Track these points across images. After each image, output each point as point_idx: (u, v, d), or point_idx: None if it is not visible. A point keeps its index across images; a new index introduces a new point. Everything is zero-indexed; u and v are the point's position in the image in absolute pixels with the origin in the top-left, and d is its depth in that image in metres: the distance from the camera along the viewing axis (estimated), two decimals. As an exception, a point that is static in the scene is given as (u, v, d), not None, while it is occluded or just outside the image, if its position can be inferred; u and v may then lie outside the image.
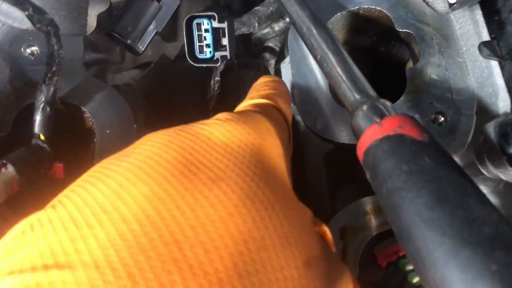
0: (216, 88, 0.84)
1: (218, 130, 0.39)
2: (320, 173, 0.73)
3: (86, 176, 0.35)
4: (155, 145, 0.36)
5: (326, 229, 0.42)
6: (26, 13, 0.45)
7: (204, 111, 0.83)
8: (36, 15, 0.45)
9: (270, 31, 0.86)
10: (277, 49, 0.87)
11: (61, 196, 0.33)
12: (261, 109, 0.48)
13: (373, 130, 0.39)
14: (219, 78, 0.82)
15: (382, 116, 0.40)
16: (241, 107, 0.51)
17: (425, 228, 0.32)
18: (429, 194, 0.33)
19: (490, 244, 0.29)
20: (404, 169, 0.35)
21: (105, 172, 0.34)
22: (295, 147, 0.80)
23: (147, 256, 0.28)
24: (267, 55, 0.86)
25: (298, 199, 0.41)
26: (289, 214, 0.36)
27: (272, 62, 0.86)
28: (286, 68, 0.80)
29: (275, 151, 0.42)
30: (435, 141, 0.37)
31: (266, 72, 0.81)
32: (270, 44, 0.87)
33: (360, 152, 0.41)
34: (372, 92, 0.44)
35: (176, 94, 0.85)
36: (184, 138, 0.37)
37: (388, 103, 0.42)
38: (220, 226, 0.31)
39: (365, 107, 0.42)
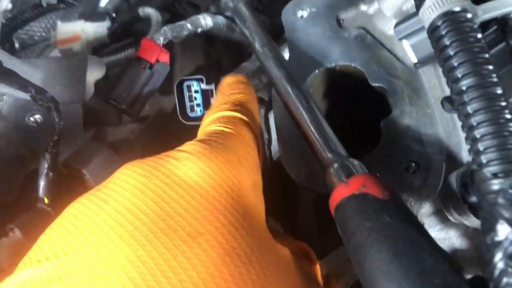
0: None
1: (192, 169, 0.39)
2: (310, 217, 0.77)
3: (69, 224, 0.37)
4: (132, 190, 0.37)
5: (314, 266, 0.45)
6: (29, 94, 0.51)
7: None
8: (38, 95, 0.51)
9: (258, 82, 0.91)
10: (266, 98, 0.92)
11: (50, 252, 0.36)
12: (230, 126, 0.49)
13: (341, 189, 0.44)
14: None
15: (349, 175, 0.45)
16: (209, 120, 0.52)
17: (384, 280, 0.36)
18: (388, 249, 0.37)
19: (440, 294, 0.33)
20: (367, 226, 0.39)
21: (88, 224, 0.35)
22: (286, 193, 0.84)
23: None
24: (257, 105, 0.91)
25: (272, 236, 0.43)
26: (266, 262, 0.38)
27: (262, 111, 0.90)
28: (273, 118, 0.85)
29: (247, 183, 0.43)
30: (396, 198, 0.41)
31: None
32: (259, 94, 0.92)
33: (331, 208, 0.45)
34: (342, 151, 0.49)
35: (173, 145, 0.90)
36: (160, 182, 0.38)
37: (356, 162, 0.47)
38: None
39: (335, 165, 0.47)
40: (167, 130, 0.93)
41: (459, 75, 0.38)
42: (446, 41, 0.39)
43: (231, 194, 0.40)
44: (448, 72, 0.39)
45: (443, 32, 0.40)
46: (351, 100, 0.76)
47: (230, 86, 0.57)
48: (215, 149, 0.43)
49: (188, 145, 0.43)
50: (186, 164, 0.40)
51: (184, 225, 0.35)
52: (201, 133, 0.51)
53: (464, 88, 0.38)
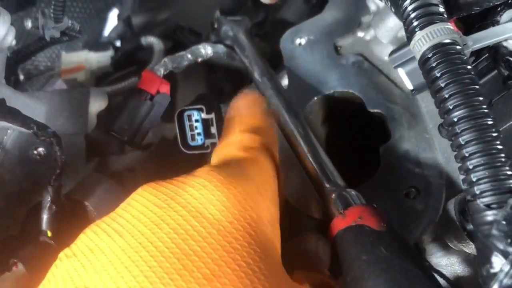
0: (212, 166, 0.89)
1: (209, 200, 0.38)
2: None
3: (82, 255, 0.37)
4: (147, 223, 0.36)
5: None
6: (31, 131, 0.52)
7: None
8: (40, 131, 0.52)
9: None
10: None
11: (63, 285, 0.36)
12: (248, 151, 0.47)
13: (338, 221, 0.44)
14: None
15: (347, 206, 0.45)
16: (226, 142, 0.51)
17: (381, 314, 0.36)
18: (384, 283, 0.37)
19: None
20: (363, 259, 0.39)
21: (101, 258, 0.35)
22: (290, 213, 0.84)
23: None
24: (259, 131, 0.92)
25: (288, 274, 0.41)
26: None
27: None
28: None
29: (265, 217, 0.41)
30: (392, 230, 0.41)
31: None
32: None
33: (330, 238, 0.45)
34: (340, 181, 0.50)
35: (177, 173, 0.90)
36: (176, 214, 0.37)
37: (353, 192, 0.47)
38: None
39: (333, 196, 0.47)
40: (171, 157, 0.94)
41: (451, 107, 0.38)
42: (437, 73, 0.40)
43: (249, 230, 0.38)
44: (440, 103, 0.40)
45: (434, 64, 0.40)
46: (350, 125, 0.76)
47: (248, 106, 0.55)
48: (233, 178, 0.41)
49: (205, 172, 0.42)
50: (203, 193, 0.39)
51: (200, 265, 0.34)
52: (216, 156, 0.50)
53: (455, 119, 0.38)
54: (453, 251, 0.55)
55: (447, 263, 0.55)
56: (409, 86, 0.57)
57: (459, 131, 0.38)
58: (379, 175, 0.61)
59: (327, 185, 0.49)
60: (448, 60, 0.40)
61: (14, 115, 0.49)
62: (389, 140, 0.63)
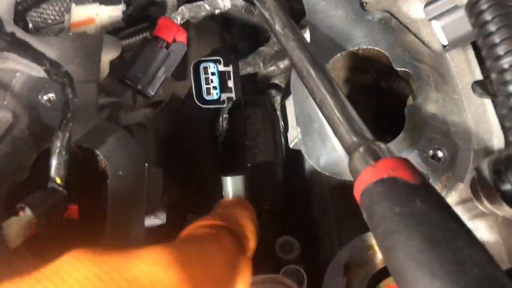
0: (224, 125, 0.87)
1: (161, 281, 0.35)
2: (326, 206, 0.75)
3: None
4: None
5: None
6: (44, 67, 0.49)
7: (213, 147, 0.85)
8: (53, 69, 0.49)
9: (275, 69, 0.89)
10: (283, 85, 0.90)
11: None
12: (211, 232, 0.47)
13: (368, 173, 0.41)
14: (227, 115, 0.86)
15: (377, 158, 0.42)
16: (197, 224, 0.50)
17: (417, 269, 0.33)
18: (420, 237, 0.34)
19: (479, 285, 0.31)
20: (397, 212, 0.37)
21: None
22: (302, 181, 0.82)
23: None
24: (273, 92, 0.89)
25: None
26: None
27: (278, 98, 0.88)
28: (290, 105, 0.82)
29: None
30: (428, 183, 0.39)
31: (272, 109, 0.84)
32: (276, 81, 0.90)
33: (357, 194, 0.43)
34: (368, 134, 0.47)
35: (186, 131, 0.88)
36: None
37: (383, 145, 0.44)
38: None
39: (361, 149, 0.44)
40: (180, 115, 0.92)
41: (501, 52, 0.36)
42: (487, 17, 0.37)
43: None
44: (488, 49, 0.37)
45: (484, 7, 0.37)
46: (373, 86, 0.73)
47: (230, 203, 0.57)
48: (187, 257, 0.39)
49: (156, 251, 0.38)
50: (155, 271, 0.36)
51: None
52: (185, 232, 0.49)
53: (506, 66, 0.35)
54: (480, 215, 0.53)
55: (472, 228, 0.53)
56: (443, 41, 0.53)
57: (509, 79, 0.35)
58: (403, 135, 0.59)
59: (355, 139, 0.46)
60: (500, 3, 0.37)
61: (25, 48, 0.46)
62: (415, 100, 0.61)
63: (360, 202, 0.42)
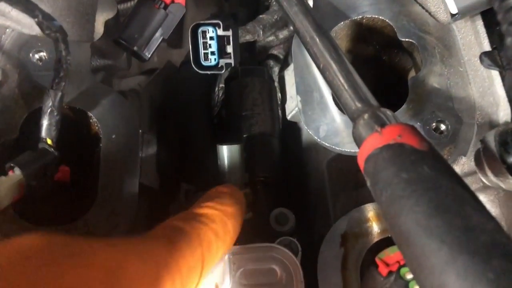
0: (220, 95, 0.85)
1: None
2: (322, 179, 0.74)
3: None
4: None
5: None
6: (36, 20, 0.46)
7: (208, 117, 0.84)
8: (45, 22, 0.47)
9: (274, 39, 0.86)
10: (281, 56, 0.88)
11: None
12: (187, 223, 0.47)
13: (373, 139, 0.40)
14: (223, 85, 0.83)
15: (383, 124, 0.41)
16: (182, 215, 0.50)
17: (424, 235, 0.32)
18: (428, 202, 0.33)
19: (488, 252, 0.30)
20: (404, 177, 0.35)
21: None
22: (298, 153, 0.81)
23: None
24: (271, 63, 0.87)
25: None
26: None
27: (276, 69, 0.86)
28: (289, 75, 0.80)
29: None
30: (435, 150, 0.38)
31: (270, 80, 0.82)
32: (274, 51, 0.88)
33: (361, 160, 0.41)
34: (373, 101, 0.45)
35: (181, 100, 0.86)
36: None
37: (389, 112, 0.43)
38: None
39: (366, 116, 0.43)
40: (175, 83, 0.89)
41: (520, 15, 0.34)
42: (506, -23, 0.35)
43: None
44: (505, 13, 0.35)
45: (504, -33, 0.35)
46: (376, 56, 0.72)
47: (217, 192, 0.54)
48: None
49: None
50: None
51: None
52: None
53: (524, 29, 0.34)
54: (481, 189, 0.52)
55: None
56: (452, 9, 0.52)
57: (527, 42, 0.33)
58: (406, 107, 0.57)
59: (359, 105, 0.45)
60: (520, -37, 0.35)
61: (17, -3, 0.43)
62: (419, 72, 0.59)
63: (364, 169, 0.41)
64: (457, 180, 0.35)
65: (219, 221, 0.49)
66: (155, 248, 0.42)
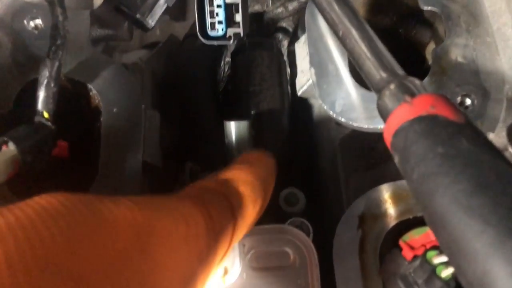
0: (226, 70, 0.81)
1: None
2: (334, 159, 0.70)
3: None
4: None
5: None
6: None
7: (214, 92, 0.80)
8: (40, -18, 0.43)
9: (283, 11, 0.82)
10: (291, 29, 0.84)
11: None
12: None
13: (403, 110, 0.36)
14: (229, 59, 0.79)
15: (412, 95, 0.37)
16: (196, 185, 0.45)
17: (464, 216, 0.29)
18: (469, 179, 0.30)
19: (539, 234, 0.26)
20: (440, 152, 0.32)
21: None
22: (308, 132, 0.77)
23: None
24: (280, 36, 0.83)
25: None
26: None
27: (285, 43, 0.82)
28: (301, 47, 0.76)
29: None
30: (472, 123, 0.34)
31: (279, 53, 0.78)
32: (284, 24, 0.84)
33: (388, 134, 0.37)
34: (399, 70, 0.41)
35: (184, 75, 0.82)
36: None
37: (417, 81, 0.39)
38: None
39: (392, 86, 0.39)
40: (179, 57, 0.85)
41: None
42: None
43: None
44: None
45: None
46: (392, 29, 0.68)
47: (249, 156, 0.51)
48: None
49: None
50: None
51: None
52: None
53: None
54: None
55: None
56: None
57: None
58: (429, 80, 0.54)
59: (384, 75, 0.41)
60: None
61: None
62: (442, 43, 0.55)
63: (392, 144, 0.37)
64: (499, 155, 0.31)
65: (250, 186, 0.46)
66: (187, 207, 0.39)
